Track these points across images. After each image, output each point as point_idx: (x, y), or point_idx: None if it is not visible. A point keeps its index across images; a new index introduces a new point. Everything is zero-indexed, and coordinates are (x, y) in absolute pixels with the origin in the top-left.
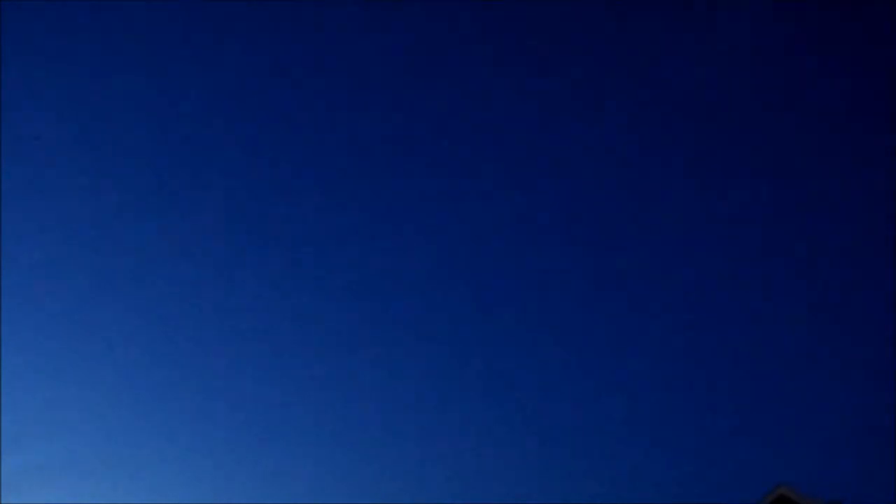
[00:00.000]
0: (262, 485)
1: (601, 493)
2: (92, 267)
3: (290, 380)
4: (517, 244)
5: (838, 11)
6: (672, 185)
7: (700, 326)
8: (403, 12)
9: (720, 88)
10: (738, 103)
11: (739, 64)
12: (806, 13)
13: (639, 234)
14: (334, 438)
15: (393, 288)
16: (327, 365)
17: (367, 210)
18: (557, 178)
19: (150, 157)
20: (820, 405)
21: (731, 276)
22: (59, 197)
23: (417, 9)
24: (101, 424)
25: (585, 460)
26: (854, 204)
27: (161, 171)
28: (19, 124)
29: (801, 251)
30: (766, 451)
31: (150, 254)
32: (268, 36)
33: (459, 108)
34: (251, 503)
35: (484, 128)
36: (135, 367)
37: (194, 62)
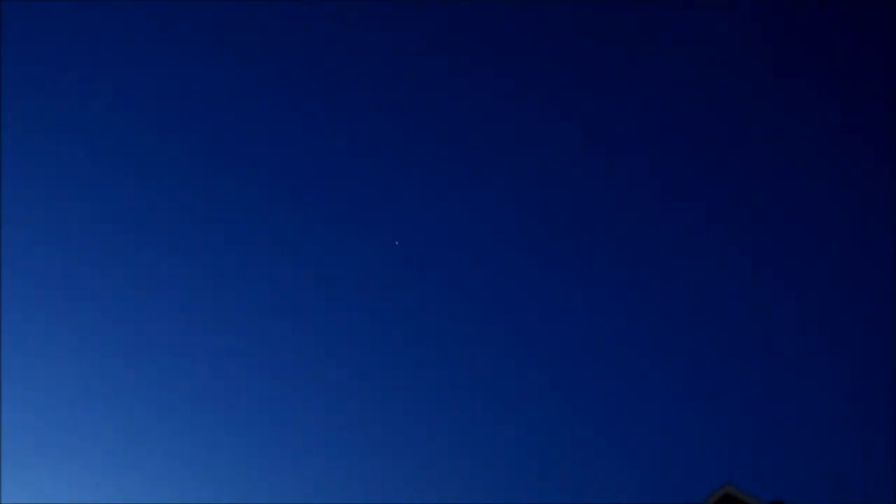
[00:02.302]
0: (262, 484)
1: (544, 494)
2: (91, 267)
3: (287, 380)
4: (508, 246)
5: (838, 11)
6: (665, 187)
7: (654, 328)
8: (393, 13)
9: (714, 87)
10: (736, 102)
11: (737, 63)
12: (804, 13)
13: (624, 237)
14: (332, 438)
15: (387, 289)
16: (324, 365)
17: (363, 210)
18: (550, 179)
19: (150, 156)
20: (766, 408)
21: (688, 279)
22: (58, 197)
23: (405, 9)
24: (103, 424)
25: (533, 462)
26: (845, 205)
27: (160, 171)
28: (19, 124)
29: (771, 258)
30: (713, 450)
31: (150, 253)
32: (266, 36)
33: (454, 110)
34: (251, 503)
35: (480, 128)
36: (136, 368)
37: (194, 62)
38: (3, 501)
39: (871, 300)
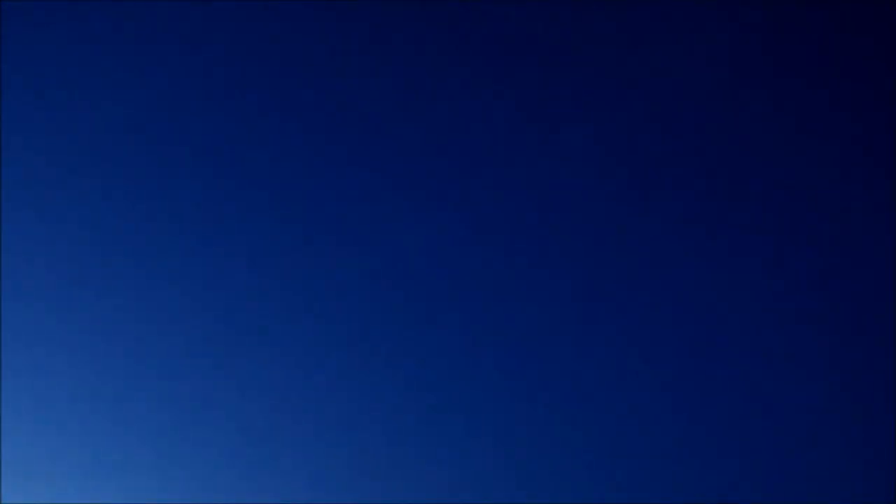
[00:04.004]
0: (262, 484)
1: (532, 496)
2: (92, 266)
3: (289, 379)
4: (506, 246)
5: (839, 11)
6: (662, 189)
7: (652, 329)
8: (389, 12)
9: (716, 89)
10: (736, 101)
11: (737, 64)
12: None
13: (622, 238)
14: (332, 438)
15: (386, 290)
16: (324, 364)
17: (362, 210)
18: (548, 179)
19: (151, 156)
20: (763, 409)
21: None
22: (59, 197)
23: (402, 9)
24: (105, 424)
25: (520, 465)
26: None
27: (161, 171)
28: (19, 124)
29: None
30: (708, 453)
31: (151, 253)
32: (269, 35)
33: (451, 110)
34: (252, 503)
35: (475, 128)
36: (138, 367)
37: (197, 60)
38: (3, 501)
39: (872, 301)
